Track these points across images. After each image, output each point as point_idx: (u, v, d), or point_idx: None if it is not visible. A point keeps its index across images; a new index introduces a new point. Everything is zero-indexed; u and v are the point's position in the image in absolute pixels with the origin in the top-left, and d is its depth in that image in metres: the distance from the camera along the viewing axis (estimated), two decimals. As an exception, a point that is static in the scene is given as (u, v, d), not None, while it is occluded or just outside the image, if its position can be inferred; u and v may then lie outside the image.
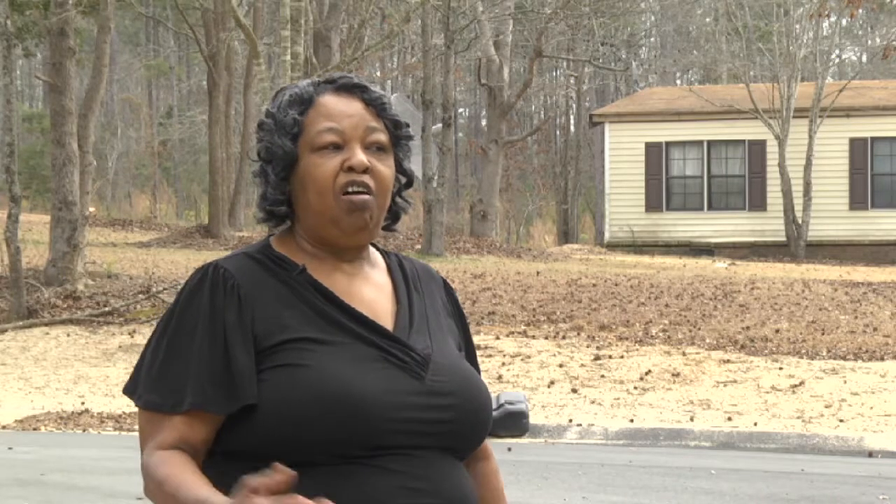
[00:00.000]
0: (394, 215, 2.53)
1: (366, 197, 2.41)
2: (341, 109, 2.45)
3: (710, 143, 33.38)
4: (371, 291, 2.48)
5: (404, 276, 2.55)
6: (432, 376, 2.40)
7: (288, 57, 19.78)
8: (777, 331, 18.22)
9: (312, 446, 2.30)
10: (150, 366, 2.39)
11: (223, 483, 2.35)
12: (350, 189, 2.41)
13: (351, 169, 2.41)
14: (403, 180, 2.53)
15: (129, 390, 2.42)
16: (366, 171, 2.42)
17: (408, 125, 2.51)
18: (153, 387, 2.37)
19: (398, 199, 2.53)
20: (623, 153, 33.63)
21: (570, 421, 14.24)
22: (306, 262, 2.45)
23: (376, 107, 2.47)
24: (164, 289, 20.30)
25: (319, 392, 2.30)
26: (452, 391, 2.41)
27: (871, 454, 12.91)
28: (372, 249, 2.55)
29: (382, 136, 2.46)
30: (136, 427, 13.67)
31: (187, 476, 2.28)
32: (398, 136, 2.48)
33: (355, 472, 2.31)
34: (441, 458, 2.39)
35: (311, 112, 2.45)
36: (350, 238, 2.45)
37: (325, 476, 2.31)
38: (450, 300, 2.62)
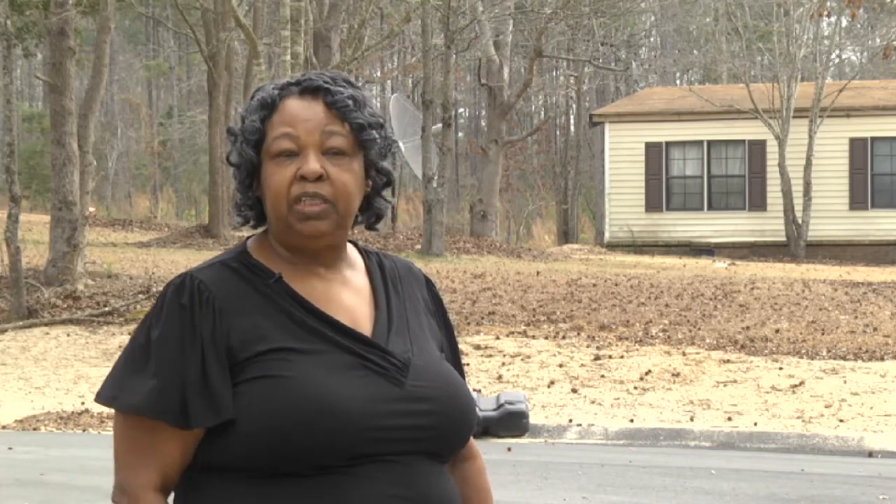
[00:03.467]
0: (375, 215, 2.48)
1: (317, 207, 2.36)
2: (299, 114, 2.39)
3: (710, 143, 33.38)
4: (349, 296, 2.44)
5: (383, 277, 2.51)
6: (412, 381, 2.37)
7: (288, 57, 19.78)
8: (777, 331, 18.21)
9: (294, 457, 2.28)
10: (132, 373, 2.35)
11: (201, 497, 2.36)
12: (303, 199, 2.36)
13: (303, 178, 2.36)
14: (383, 180, 2.46)
15: (105, 396, 2.39)
16: (320, 178, 2.36)
17: (380, 125, 2.42)
18: (141, 395, 2.33)
19: (377, 199, 2.47)
20: (623, 153, 33.63)
21: (570, 421, 14.24)
22: (282, 268, 2.41)
23: (339, 109, 2.39)
24: (164, 289, 20.28)
25: (300, 403, 2.28)
26: (433, 396, 2.38)
27: (871, 454, 12.91)
28: (351, 250, 2.51)
29: (341, 141, 2.38)
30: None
31: None
32: (362, 139, 2.40)
33: (338, 481, 2.30)
34: (424, 463, 2.37)
35: (274, 117, 2.40)
36: (309, 244, 2.40)
37: (307, 486, 2.30)
38: (432, 298, 2.58)
